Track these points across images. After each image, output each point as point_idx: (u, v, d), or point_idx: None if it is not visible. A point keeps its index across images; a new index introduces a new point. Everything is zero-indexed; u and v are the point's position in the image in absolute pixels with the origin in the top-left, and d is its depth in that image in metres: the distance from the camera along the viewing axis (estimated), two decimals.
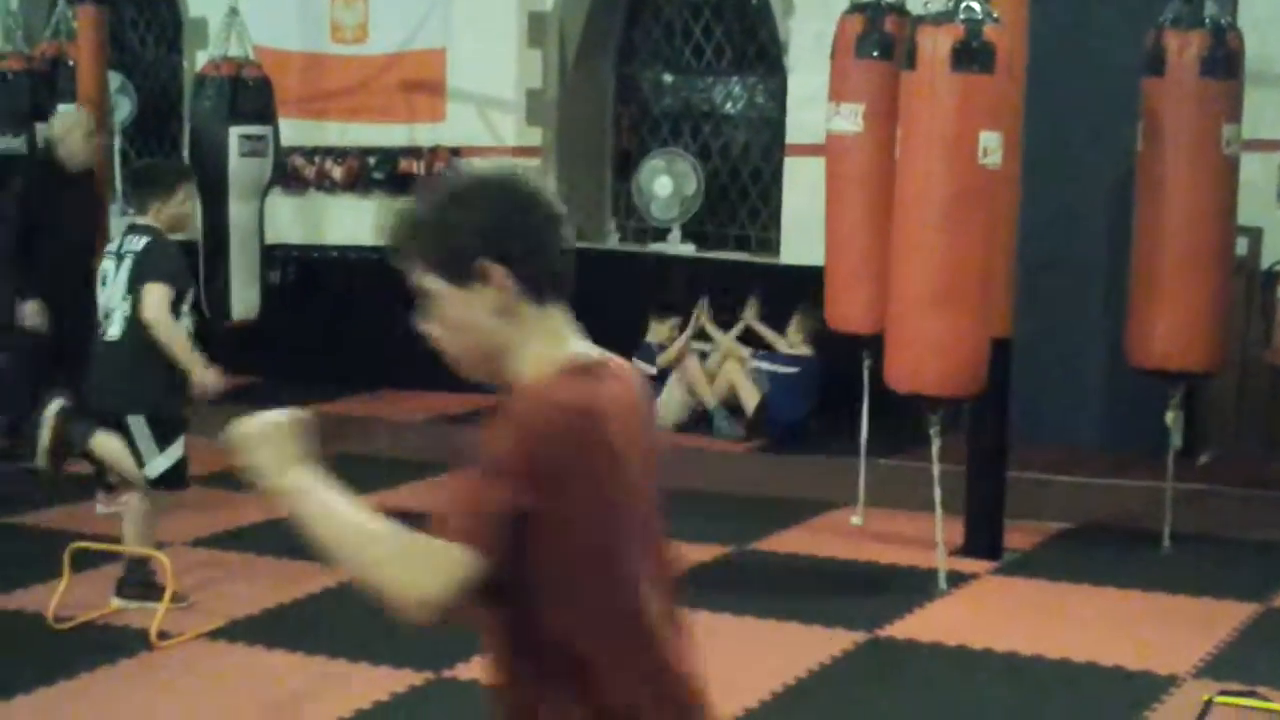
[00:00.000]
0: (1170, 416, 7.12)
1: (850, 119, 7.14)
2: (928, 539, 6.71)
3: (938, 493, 6.54)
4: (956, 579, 6.67)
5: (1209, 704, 4.97)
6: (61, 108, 8.73)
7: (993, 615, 6.37)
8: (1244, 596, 6.53)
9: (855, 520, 7.49)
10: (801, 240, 9.12)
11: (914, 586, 6.61)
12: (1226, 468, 8.09)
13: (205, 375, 5.99)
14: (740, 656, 5.75)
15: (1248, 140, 7.18)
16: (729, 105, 10.50)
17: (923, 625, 6.20)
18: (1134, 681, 5.62)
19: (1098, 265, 8.54)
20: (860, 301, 7.14)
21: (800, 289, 8.79)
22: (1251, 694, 5.19)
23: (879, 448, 7.73)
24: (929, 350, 6.42)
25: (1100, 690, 5.58)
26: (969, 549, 6.99)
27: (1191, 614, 6.39)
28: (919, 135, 6.40)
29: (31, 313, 7.94)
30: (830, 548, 7.19)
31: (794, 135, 9.56)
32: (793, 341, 9.09)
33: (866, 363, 7.33)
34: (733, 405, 9.20)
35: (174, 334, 5.94)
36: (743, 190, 10.31)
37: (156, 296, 5.92)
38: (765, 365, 9.06)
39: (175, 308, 5.98)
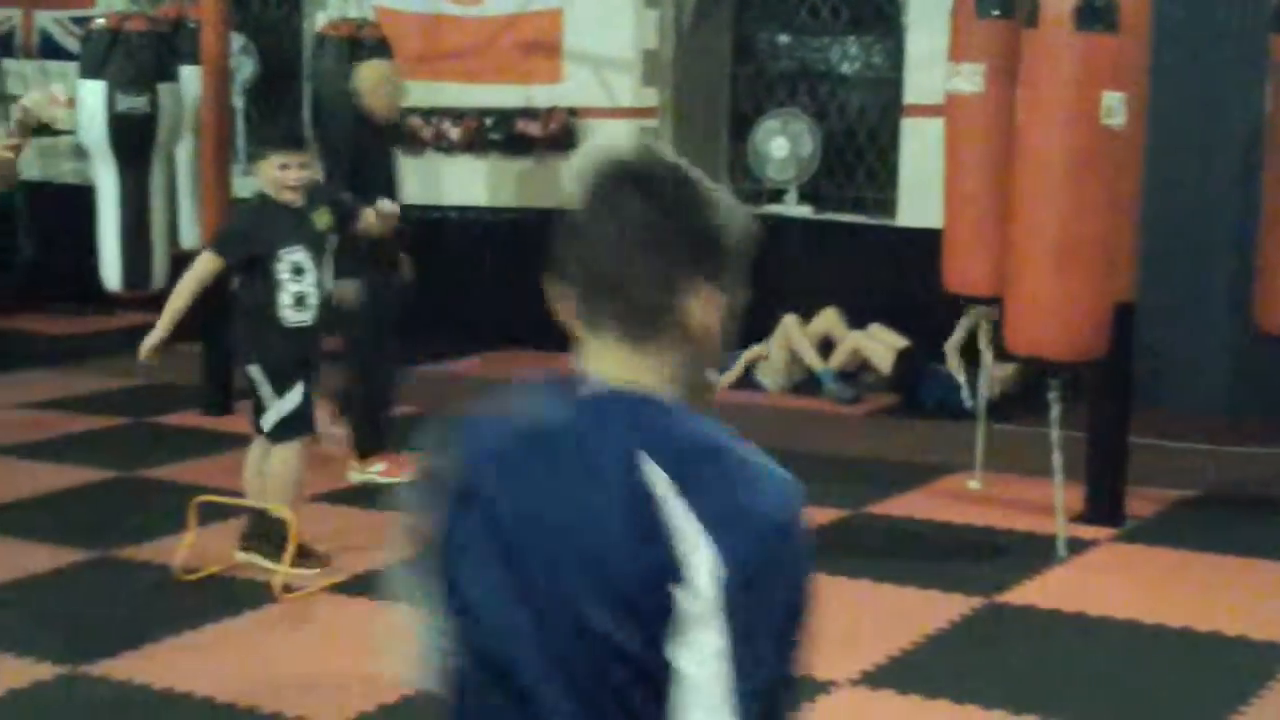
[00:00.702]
0: None
1: (970, 79, 7.04)
2: (1047, 505, 6.64)
3: (1058, 458, 6.46)
4: (1076, 545, 6.60)
5: None
6: (374, 64, 7.94)
7: (1113, 583, 6.30)
8: None
9: (973, 485, 7.43)
10: (919, 202, 9.04)
11: (1033, 552, 6.55)
12: None
13: (149, 339, 6.02)
14: (858, 620, 5.73)
15: None
16: (846, 65, 10.41)
17: (1042, 591, 6.14)
18: (1258, 652, 5.54)
19: (1225, 228, 8.38)
20: (980, 264, 7.05)
21: (917, 252, 8.71)
22: None
23: (997, 411, 7.65)
24: (1050, 313, 6.34)
25: (1223, 660, 5.51)
26: (1089, 515, 6.91)
27: None
28: (1040, 95, 6.31)
29: (342, 294, 6.97)
30: (948, 512, 7.14)
31: (912, 95, 9.47)
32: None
33: (985, 325, 7.27)
34: (849, 371, 9.18)
35: (173, 299, 6.05)
36: (859, 151, 10.23)
37: (197, 260, 6.12)
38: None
39: (263, 273, 6.03)
